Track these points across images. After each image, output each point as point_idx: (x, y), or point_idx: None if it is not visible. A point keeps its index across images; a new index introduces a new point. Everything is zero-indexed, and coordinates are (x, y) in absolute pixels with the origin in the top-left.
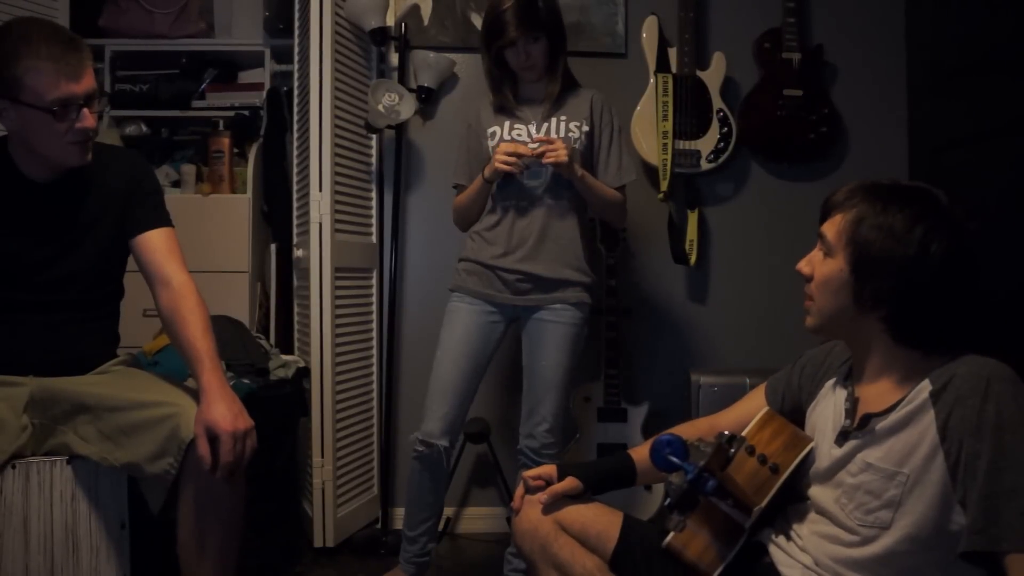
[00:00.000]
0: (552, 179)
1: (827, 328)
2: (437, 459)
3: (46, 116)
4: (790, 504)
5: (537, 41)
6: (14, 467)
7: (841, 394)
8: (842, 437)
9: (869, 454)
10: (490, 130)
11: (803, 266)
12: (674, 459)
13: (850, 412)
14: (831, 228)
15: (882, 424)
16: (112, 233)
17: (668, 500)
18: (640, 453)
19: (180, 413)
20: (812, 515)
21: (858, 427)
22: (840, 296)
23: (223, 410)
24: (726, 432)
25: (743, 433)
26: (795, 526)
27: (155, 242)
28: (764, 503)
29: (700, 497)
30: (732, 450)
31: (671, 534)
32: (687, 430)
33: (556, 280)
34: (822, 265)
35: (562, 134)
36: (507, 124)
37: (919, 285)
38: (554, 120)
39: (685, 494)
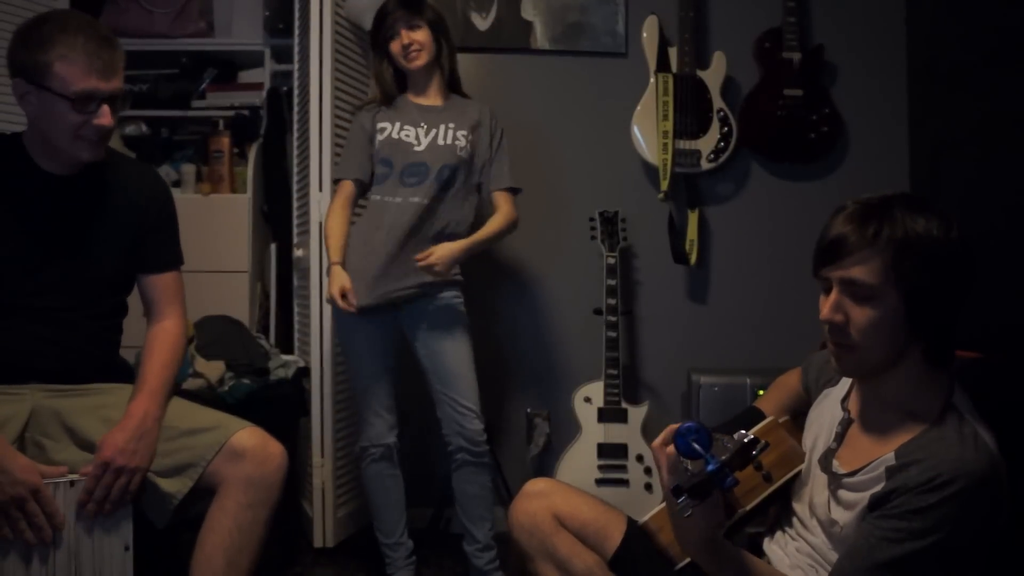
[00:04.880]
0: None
1: (870, 371)
2: (391, 458)
3: (66, 105)
4: (784, 507)
5: (419, 29)
6: None
7: (837, 413)
8: (825, 458)
9: (830, 497)
10: (380, 125)
11: (834, 316)
12: (697, 447)
13: (840, 436)
14: (866, 272)
15: (846, 481)
16: (122, 250)
17: (680, 484)
18: (767, 407)
19: (204, 430)
20: (795, 519)
21: (832, 471)
22: (894, 335)
23: (119, 438)
24: (750, 434)
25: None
26: (785, 527)
27: (161, 283)
28: (749, 507)
29: (714, 491)
30: (754, 452)
31: (650, 513)
32: (767, 403)
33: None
34: (862, 311)
35: (449, 141)
36: (397, 124)
37: (965, 284)
38: (442, 127)
39: (701, 484)
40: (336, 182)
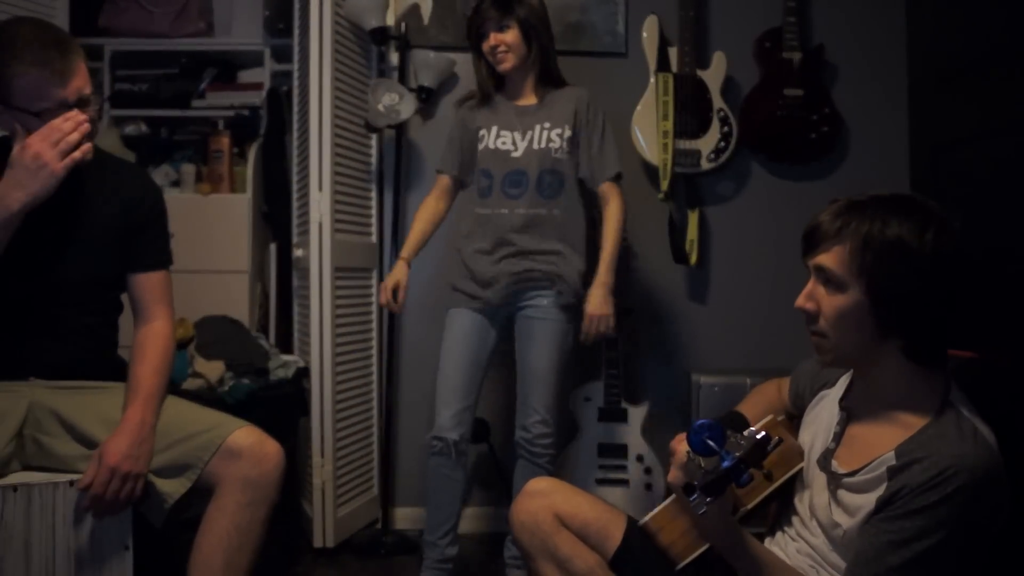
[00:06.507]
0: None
1: (846, 362)
2: (449, 454)
3: (36, 121)
4: (784, 507)
5: (507, 29)
6: (15, 490)
7: (835, 413)
8: (824, 459)
9: (830, 498)
10: (480, 131)
11: (806, 304)
12: (712, 444)
13: (838, 436)
14: (832, 261)
15: (845, 481)
16: (111, 248)
17: (691, 482)
18: (750, 411)
19: (201, 432)
20: (796, 519)
21: (831, 471)
22: (862, 327)
23: (122, 444)
24: (762, 432)
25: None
26: (785, 527)
27: (150, 283)
28: (751, 505)
29: (729, 487)
30: (768, 448)
31: (651, 513)
32: (751, 408)
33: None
34: (830, 300)
35: (543, 144)
36: (495, 129)
37: (938, 291)
38: (537, 128)
39: (717, 480)
40: (439, 172)
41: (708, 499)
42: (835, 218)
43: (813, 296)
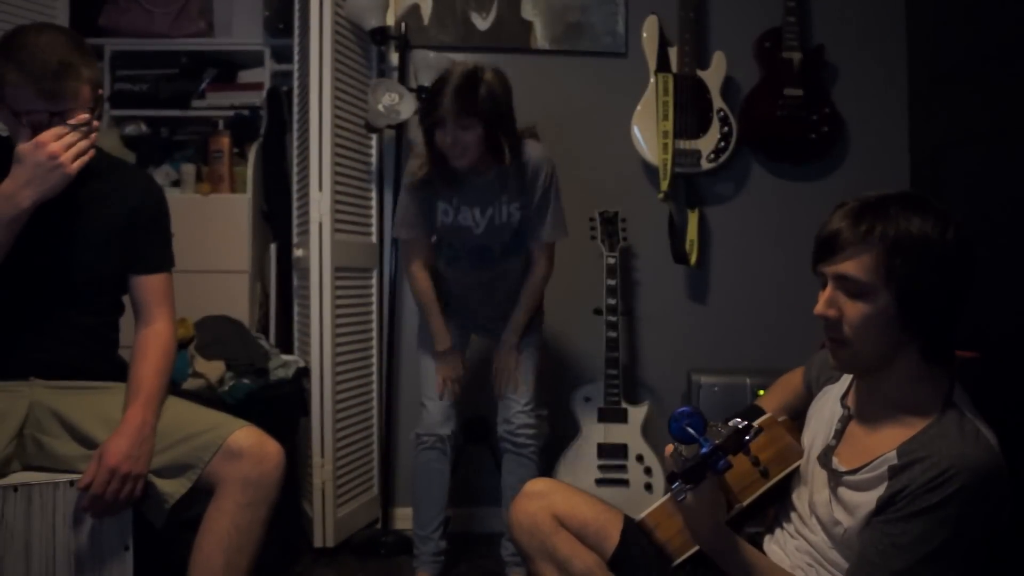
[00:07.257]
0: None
1: (863, 367)
2: (442, 449)
3: (15, 119)
4: (783, 505)
5: (468, 129)
6: (16, 490)
7: (836, 410)
8: (825, 456)
9: (831, 495)
10: (442, 206)
11: (827, 311)
12: (691, 431)
13: (839, 433)
14: (858, 268)
15: (846, 479)
16: (113, 250)
17: (674, 470)
18: (769, 405)
19: (202, 432)
20: (795, 516)
21: (832, 468)
22: (886, 332)
23: (123, 444)
24: (743, 421)
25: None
26: (784, 524)
27: (151, 285)
28: (746, 503)
29: (707, 474)
30: (747, 438)
31: (648, 509)
32: (770, 401)
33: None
34: (855, 307)
35: (504, 219)
36: (455, 201)
37: (963, 285)
38: (496, 203)
39: (695, 467)
40: (400, 240)
41: (688, 486)
42: (855, 224)
43: (835, 303)
